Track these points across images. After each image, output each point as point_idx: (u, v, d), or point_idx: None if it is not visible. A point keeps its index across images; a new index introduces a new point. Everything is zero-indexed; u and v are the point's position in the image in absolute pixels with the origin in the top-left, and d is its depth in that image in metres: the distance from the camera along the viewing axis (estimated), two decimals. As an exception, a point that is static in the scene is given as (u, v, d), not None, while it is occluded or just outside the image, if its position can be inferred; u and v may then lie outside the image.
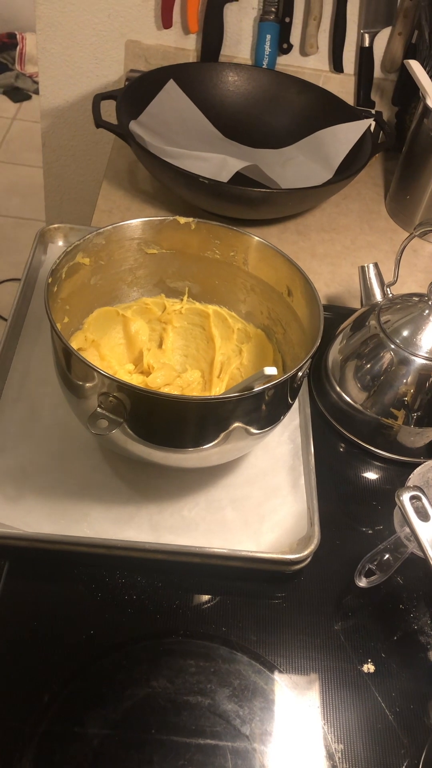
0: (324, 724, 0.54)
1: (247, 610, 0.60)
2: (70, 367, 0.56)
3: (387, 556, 0.60)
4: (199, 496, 0.65)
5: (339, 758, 0.53)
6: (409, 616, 0.61)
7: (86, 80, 1.19)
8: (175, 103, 1.03)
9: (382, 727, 0.55)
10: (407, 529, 0.59)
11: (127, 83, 1.08)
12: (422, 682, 0.57)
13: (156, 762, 0.51)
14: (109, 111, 0.97)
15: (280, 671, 0.56)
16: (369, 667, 0.57)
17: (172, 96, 1.03)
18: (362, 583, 0.61)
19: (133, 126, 0.94)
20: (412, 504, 0.58)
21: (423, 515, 0.58)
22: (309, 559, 0.61)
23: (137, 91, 1.00)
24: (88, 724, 0.52)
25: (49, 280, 0.58)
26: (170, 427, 0.57)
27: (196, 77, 1.06)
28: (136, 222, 0.66)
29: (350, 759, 0.53)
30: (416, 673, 0.58)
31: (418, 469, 0.65)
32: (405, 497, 0.58)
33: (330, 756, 0.53)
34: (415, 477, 0.65)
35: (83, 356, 0.53)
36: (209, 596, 0.60)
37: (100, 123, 0.93)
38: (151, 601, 0.59)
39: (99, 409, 0.54)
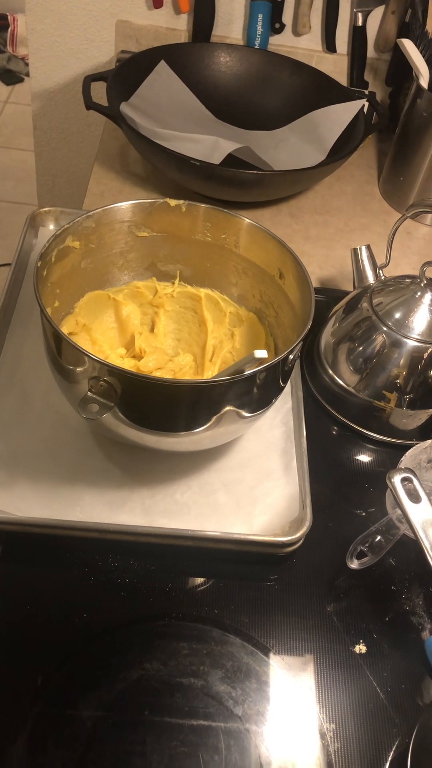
0: (316, 704, 0.55)
1: (239, 592, 0.60)
2: (61, 351, 0.56)
3: (379, 537, 0.61)
4: (191, 480, 0.65)
5: (330, 737, 0.53)
6: (401, 597, 0.61)
7: (77, 61, 1.17)
8: (167, 84, 1.02)
9: (373, 706, 0.55)
10: (399, 511, 0.59)
11: (117, 64, 1.07)
12: (414, 661, 0.58)
13: (149, 743, 0.51)
14: (100, 93, 0.96)
15: (272, 653, 0.57)
16: (361, 648, 0.58)
17: (163, 77, 1.02)
18: (354, 565, 0.61)
19: (124, 108, 0.93)
20: (403, 486, 0.58)
21: (414, 497, 0.58)
22: (301, 542, 0.61)
23: (128, 73, 0.99)
24: (82, 706, 0.52)
25: (39, 264, 0.58)
26: (162, 411, 0.57)
27: (188, 58, 1.05)
28: (126, 204, 0.65)
29: (342, 738, 0.53)
30: (408, 654, 0.58)
31: (409, 451, 0.65)
32: (396, 479, 0.58)
33: (322, 735, 0.53)
34: (406, 459, 0.65)
35: (73, 340, 0.53)
36: (202, 579, 0.61)
37: (90, 105, 0.92)
38: (144, 585, 0.59)
39: (90, 394, 0.54)
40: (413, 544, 0.58)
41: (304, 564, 0.62)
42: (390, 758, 0.53)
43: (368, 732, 0.54)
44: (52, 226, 0.84)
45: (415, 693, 0.56)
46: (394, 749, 0.53)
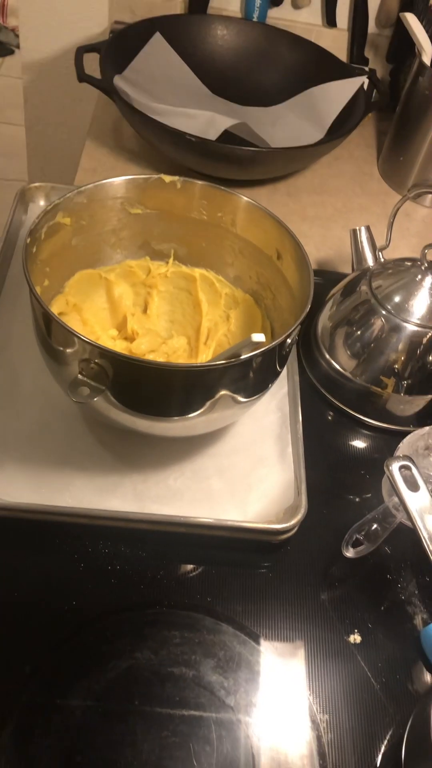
0: (309, 694, 0.54)
1: (232, 580, 0.59)
2: (50, 332, 0.54)
3: (375, 526, 0.59)
4: (184, 465, 0.64)
5: (324, 728, 0.52)
6: (397, 586, 0.60)
7: (69, 32, 1.14)
8: (162, 57, 0.99)
9: (367, 697, 0.54)
10: (396, 499, 0.58)
11: (111, 35, 1.03)
12: (409, 651, 0.57)
13: (139, 733, 0.50)
14: (93, 65, 0.93)
15: (265, 642, 0.56)
16: (355, 638, 0.57)
17: (158, 50, 0.99)
18: (349, 553, 0.60)
19: (118, 81, 0.91)
20: (401, 473, 0.57)
21: (412, 485, 0.57)
22: (296, 529, 0.60)
23: (122, 44, 0.96)
24: (71, 695, 0.51)
25: (28, 241, 0.56)
26: (155, 396, 0.55)
27: (184, 30, 1.02)
28: (119, 180, 0.63)
29: (335, 729, 0.52)
30: (403, 644, 0.57)
31: (407, 438, 0.64)
32: (394, 467, 0.57)
33: (315, 726, 0.53)
34: (404, 446, 0.63)
35: (64, 321, 0.51)
36: (194, 566, 0.59)
37: (83, 77, 0.90)
38: (135, 572, 0.58)
39: (80, 376, 0.52)
40: (409, 533, 0.57)
41: (298, 552, 0.61)
42: (384, 748, 0.52)
43: (362, 722, 0.53)
44: (42, 203, 0.82)
45: (410, 683, 0.55)
46: (387, 739, 0.53)
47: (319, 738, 0.52)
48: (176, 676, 0.53)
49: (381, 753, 0.52)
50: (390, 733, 0.53)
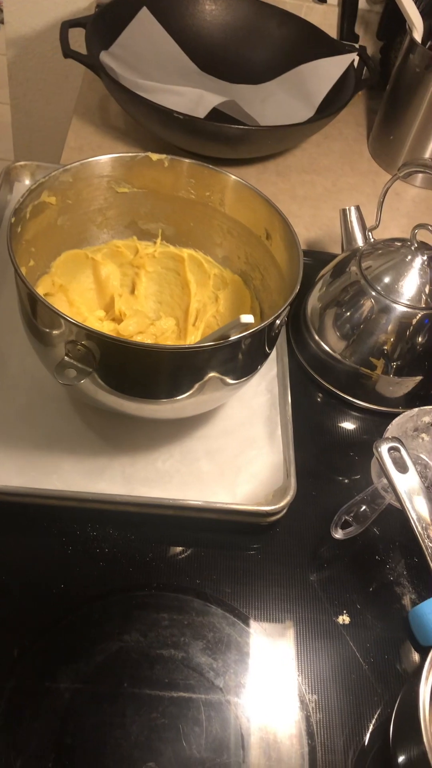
0: (298, 675, 0.54)
1: (221, 562, 0.59)
2: (36, 313, 0.53)
3: (364, 507, 0.59)
4: (173, 448, 0.63)
5: (313, 708, 0.53)
6: (385, 567, 0.61)
7: (54, 6, 1.12)
8: (149, 33, 0.98)
9: (356, 677, 0.55)
10: (385, 480, 0.58)
11: (97, 10, 1.01)
12: (397, 632, 0.57)
13: (128, 715, 0.50)
14: (78, 41, 0.91)
15: (254, 623, 0.56)
16: (344, 619, 0.57)
17: (145, 25, 0.97)
18: (338, 534, 0.60)
19: (104, 57, 0.89)
20: (390, 455, 0.57)
21: (401, 466, 0.57)
22: (285, 511, 0.60)
23: (108, 19, 0.94)
24: (59, 678, 0.51)
25: (12, 220, 0.55)
26: (143, 378, 0.55)
27: (171, 5, 1.00)
28: (105, 158, 0.62)
29: (324, 709, 0.53)
30: (391, 624, 0.57)
31: (396, 419, 0.64)
32: (383, 448, 0.57)
33: (304, 706, 0.53)
34: (393, 428, 0.63)
35: (50, 302, 0.50)
36: (183, 549, 0.59)
37: (68, 53, 0.88)
38: (124, 554, 0.58)
39: (67, 358, 0.52)
40: (398, 514, 0.57)
41: (287, 533, 0.61)
42: (372, 727, 0.53)
43: (350, 702, 0.53)
44: (27, 181, 0.80)
45: (398, 663, 0.56)
46: (375, 719, 0.53)
47: (307, 718, 0.52)
48: (165, 658, 0.53)
49: (369, 732, 0.52)
50: (378, 712, 0.53)
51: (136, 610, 0.55)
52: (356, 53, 0.97)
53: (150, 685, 0.51)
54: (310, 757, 0.50)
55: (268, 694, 0.53)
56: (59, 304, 0.63)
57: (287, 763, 0.50)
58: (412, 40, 0.90)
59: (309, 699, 0.53)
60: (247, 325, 0.51)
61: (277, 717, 0.52)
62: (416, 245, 0.67)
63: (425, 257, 0.67)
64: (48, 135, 1.31)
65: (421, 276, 0.67)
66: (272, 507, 0.58)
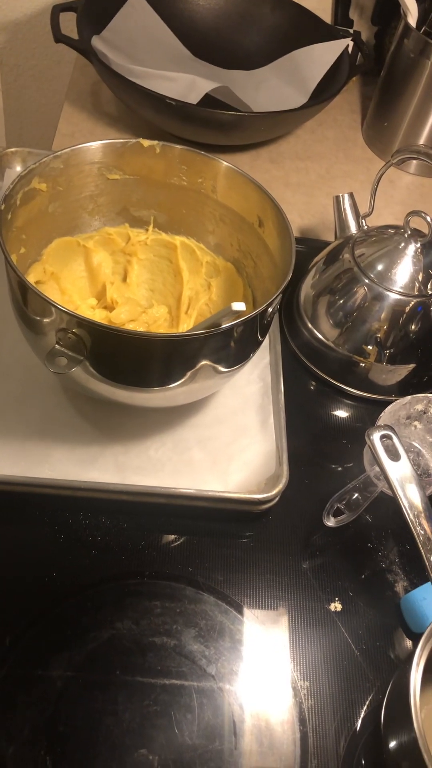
0: (290, 662, 0.54)
1: (214, 550, 0.59)
2: (27, 301, 0.53)
3: (356, 495, 0.59)
4: (165, 436, 0.63)
5: (305, 695, 0.53)
6: (377, 554, 0.61)
7: (45, -10, 1.10)
8: (141, 18, 0.96)
9: (348, 663, 0.55)
10: (377, 468, 0.58)
11: (88, -6, 1.00)
12: (389, 619, 0.57)
13: (120, 702, 0.50)
14: (70, 25, 0.90)
15: (246, 611, 0.56)
16: (336, 606, 0.57)
17: (137, 9, 0.96)
18: (330, 522, 0.60)
19: (96, 42, 0.88)
20: (382, 443, 0.57)
21: (393, 454, 0.57)
22: (277, 499, 0.60)
23: (100, 3, 0.93)
24: (52, 666, 0.51)
25: (3, 207, 0.54)
26: (134, 366, 0.54)
27: (164, -11, 0.99)
28: (96, 144, 0.61)
29: (316, 695, 0.53)
30: (383, 611, 0.58)
31: (389, 407, 0.64)
32: (375, 436, 0.57)
33: (296, 692, 0.53)
34: (385, 416, 0.63)
35: (40, 290, 0.50)
36: (176, 537, 0.59)
37: (59, 37, 0.87)
38: (116, 543, 0.58)
39: (57, 346, 0.51)
40: (390, 501, 0.57)
41: (279, 521, 0.61)
42: (363, 714, 0.53)
43: (342, 689, 0.54)
44: (19, 168, 0.79)
45: (390, 650, 0.56)
46: (367, 705, 0.53)
47: (299, 704, 0.52)
48: (157, 645, 0.53)
49: (360, 718, 0.52)
50: (369, 698, 0.54)
51: (129, 598, 0.55)
52: (351, 38, 0.96)
53: (142, 672, 0.52)
54: (302, 743, 0.51)
55: (261, 681, 0.53)
56: (51, 292, 0.63)
57: (279, 749, 0.50)
58: (407, 25, 0.89)
59: (301, 686, 0.53)
60: (239, 313, 0.51)
61: (270, 704, 0.52)
62: (409, 232, 0.67)
63: (418, 244, 0.67)
64: (39, 121, 1.30)
65: (415, 263, 0.67)
66: (264, 495, 0.58)
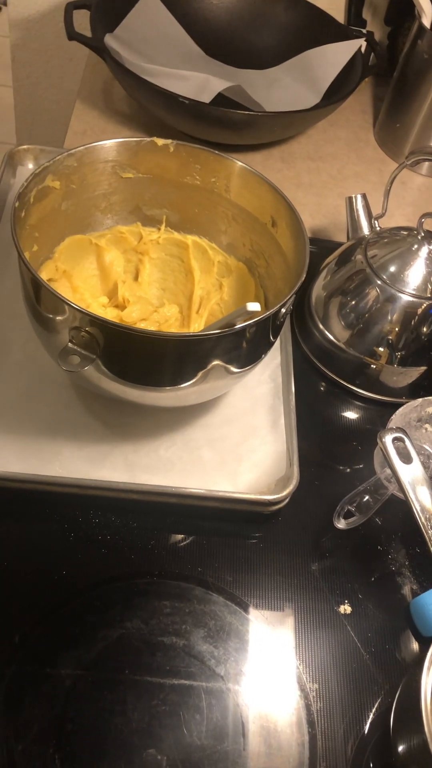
0: (299, 664, 0.54)
1: (223, 550, 0.59)
2: (40, 299, 0.53)
3: (367, 497, 0.59)
4: (175, 436, 0.63)
5: (314, 697, 0.53)
6: (387, 557, 0.61)
7: (58, -13, 1.10)
8: (154, 16, 0.96)
9: (357, 666, 0.55)
10: (388, 471, 0.58)
11: (102, -8, 1.00)
12: (399, 622, 0.57)
13: (129, 702, 0.50)
14: (83, 23, 0.90)
15: (255, 612, 0.56)
16: (345, 608, 0.57)
17: (151, 8, 0.96)
18: (341, 524, 0.60)
19: (109, 40, 0.88)
20: (394, 445, 0.57)
21: (405, 457, 0.56)
22: (287, 500, 0.60)
23: (113, 1, 0.93)
24: (60, 664, 0.51)
25: (16, 205, 0.54)
26: (146, 365, 0.54)
27: (177, -13, 0.99)
28: (110, 143, 0.61)
29: (325, 698, 0.53)
30: (392, 614, 0.57)
31: (400, 409, 0.63)
32: (387, 438, 0.57)
33: (305, 695, 0.53)
34: (397, 418, 0.63)
35: (53, 288, 0.50)
36: (185, 536, 0.59)
37: (72, 35, 0.87)
38: (126, 542, 0.57)
39: (70, 345, 0.51)
40: (401, 504, 0.57)
41: (289, 523, 0.61)
42: (372, 717, 0.53)
43: (351, 692, 0.53)
44: (31, 165, 0.80)
45: (399, 653, 0.56)
46: (376, 708, 0.53)
47: (308, 707, 0.52)
48: (166, 645, 0.53)
49: (369, 722, 0.52)
50: (378, 702, 0.53)
51: (138, 597, 0.55)
52: (364, 39, 0.96)
53: (151, 672, 0.52)
54: (310, 745, 0.51)
55: (269, 682, 0.53)
56: (63, 289, 0.63)
57: (287, 751, 0.50)
58: (421, 26, 0.89)
59: (310, 688, 0.53)
60: (252, 313, 0.51)
61: (278, 705, 0.52)
62: (423, 234, 0.67)
63: (431, 246, 0.66)
64: (51, 118, 1.30)
65: (427, 265, 0.66)
66: (275, 496, 0.58)
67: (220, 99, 0.87)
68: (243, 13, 1.02)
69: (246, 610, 0.56)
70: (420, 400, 0.64)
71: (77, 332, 0.51)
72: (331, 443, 0.67)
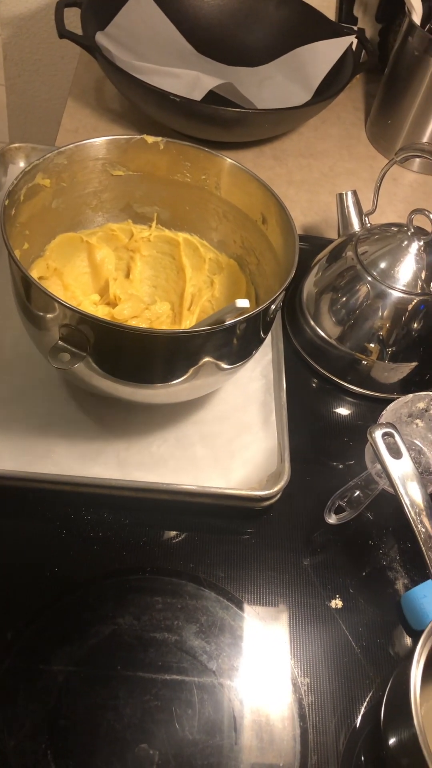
0: (291, 658, 0.54)
1: (215, 546, 0.59)
2: (30, 297, 0.53)
3: (357, 492, 0.60)
4: (168, 433, 0.63)
5: (305, 691, 0.53)
6: (378, 552, 0.61)
7: (49, -15, 1.10)
8: (145, 13, 0.96)
9: (348, 660, 0.55)
10: (378, 466, 0.58)
11: (93, -11, 1.00)
12: (390, 616, 0.57)
13: (122, 697, 0.50)
14: (74, 21, 0.90)
15: (247, 607, 0.56)
16: (337, 603, 0.57)
17: (141, 5, 0.96)
18: (332, 519, 0.60)
19: (100, 38, 0.88)
20: (384, 440, 0.57)
21: (395, 452, 0.57)
22: (279, 496, 0.60)
23: (104, -1, 0.93)
24: (53, 661, 0.51)
25: (6, 203, 0.54)
26: (137, 362, 0.54)
27: (168, -16, 0.99)
28: (100, 141, 0.61)
29: (316, 692, 0.53)
30: (384, 608, 0.58)
31: (390, 405, 0.64)
32: (377, 434, 0.57)
33: (296, 689, 0.53)
34: (387, 413, 0.63)
35: (44, 286, 0.50)
36: (177, 533, 0.59)
37: (63, 33, 0.87)
38: (118, 538, 0.58)
39: (60, 342, 0.51)
40: (391, 499, 0.57)
41: (281, 518, 0.61)
42: (363, 710, 0.53)
43: (342, 685, 0.54)
44: (22, 164, 0.80)
45: (390, 647, 0.56)
46: (367, 701, 0.53)
47: (300, 701, 0.53)
48: (159, 641, 0.53)
49: (360, 715, 0.53)
50: (370, 695, 0.54)
51: (130, 593, 0.55)
52: (355, 36, 0.96)
53: (143, 667, 0.52)
54: (302, 739, 0.51)
55: (261, 677, 0.53)
56: (54, 287, 0.63)
57: (279, 744, 0.50)
58: (411, 23, 0.89)
59: (301, 682, 0.53)
60: (242, 310, 0.51)
61: (270, 700, 0.52)
62: (413, 230, 0.67)
63: (421, 242, 0.67)
64: (43, 116, 1.30)
65: (417, 261, 0.67)
66: (266, 492, 0.58)
67: (212, 96, 0.88)
68: (234, 11, 1.02)
69: (238, 606, 0.56)
70: (411, 395, 0.64)
71: (67, 330, 0.51)
72: (323, 439, 0.68)
